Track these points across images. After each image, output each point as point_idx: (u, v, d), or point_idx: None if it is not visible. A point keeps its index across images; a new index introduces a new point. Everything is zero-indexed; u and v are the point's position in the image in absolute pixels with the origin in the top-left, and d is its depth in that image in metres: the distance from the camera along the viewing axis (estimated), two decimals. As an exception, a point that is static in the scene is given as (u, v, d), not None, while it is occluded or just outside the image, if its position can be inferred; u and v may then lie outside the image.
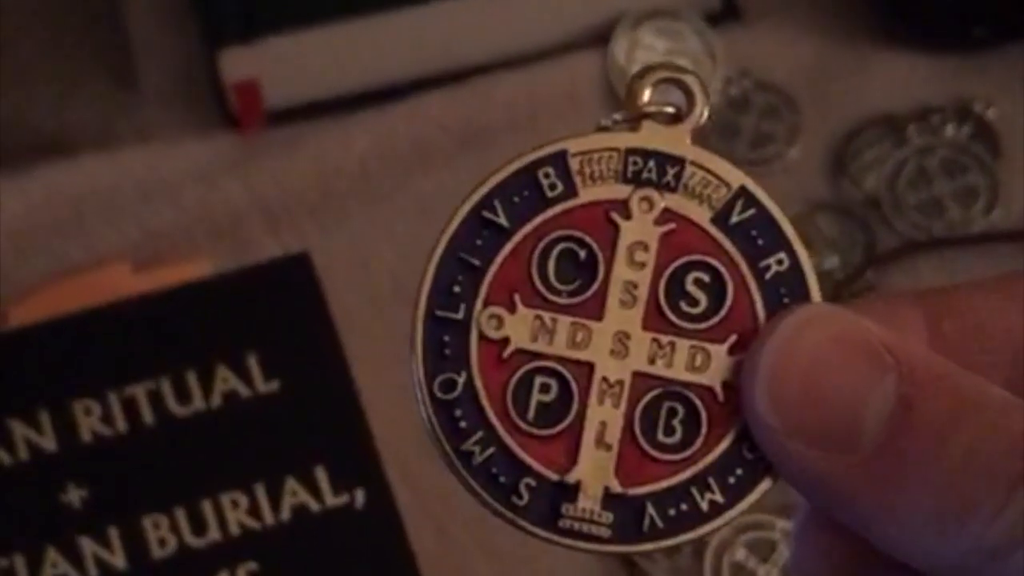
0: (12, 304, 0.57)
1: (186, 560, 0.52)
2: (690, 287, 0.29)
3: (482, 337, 0.29)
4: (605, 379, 0.29)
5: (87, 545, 0.52)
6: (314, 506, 0.53)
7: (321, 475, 0.53)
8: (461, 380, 0.29)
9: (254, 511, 0.53)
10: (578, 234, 0.29)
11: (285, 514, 0.53)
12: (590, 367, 0.29)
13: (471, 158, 0.61)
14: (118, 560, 0.52)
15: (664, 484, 0.29)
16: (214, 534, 0.52)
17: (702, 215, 0.29)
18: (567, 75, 0.62)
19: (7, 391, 0.54)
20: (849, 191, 0.60)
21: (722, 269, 0.29)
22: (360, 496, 0.53)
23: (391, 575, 0.52)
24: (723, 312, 0.29)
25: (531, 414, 0.29)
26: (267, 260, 0.57)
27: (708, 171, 0.29)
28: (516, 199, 0.29)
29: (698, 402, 0.29)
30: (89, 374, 0.55)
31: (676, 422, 0.29)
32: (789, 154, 0.61)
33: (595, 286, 0.29)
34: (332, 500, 0.53)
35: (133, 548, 0.52)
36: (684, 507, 0.29)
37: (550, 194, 0.29)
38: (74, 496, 0.53)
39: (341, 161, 0.61)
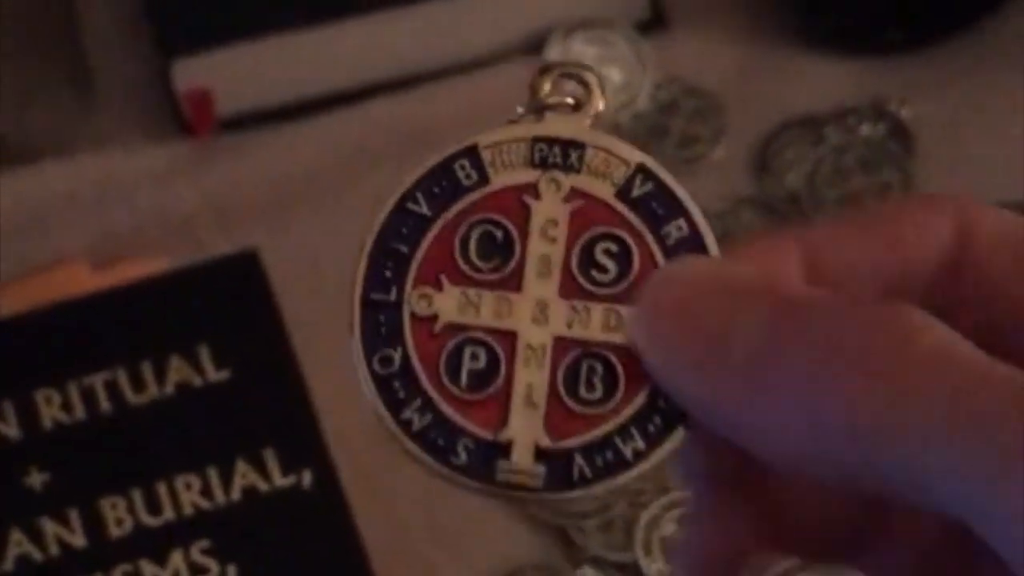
0: (-24, 302, 0.60)
1: (142, 539, 0.55)
2: (600, 256, 0.31)
3: (413, 315, 0.31)
4: (529, 345, 0.31)
5: (49, 525, 0.55)
6: (263, 487, 0.56)
7: (270, 457, 0.56)
8: (397, 355, 0.31)
9: (206, 492, 0.55)
10: (494, 216, 0.31)
11: (236, 494, 0.55)
12: (514, 335, 0.31)
13: (414, 161, 0.64)
14: (78, 539, 0.55)
15: (589, 436, 0.31)
16: (168, 514, 0.55)
17: (606, 191, 0.31)
18: (505, 81, 0.66)
19: (-28, 383, 0.57)
20: (772, 188, 0.63)
21: (627, 238, 0.31)
22: (307, 477, 0.56)
23: (338, 551, 0.55)
24: (631, 277, 0.31)
25: (463, 381, 0.31)
26: (218, 257, 0.60)
27: (608, 152, 0.32)
28: (436, 190, 0.32)
29: (614, 359, 0.31)
30: (51, 366, 0.57)
31: (596, 379, 0.31)
32: (715, 153, 0.64)
33: (513, 262, 0.31)
34: (281, 481, 0.56)
35: (92, 528, 0.55)
36: (610, 456, 0.30)
37: (466, 183, 0.32)
38: (36, 480, 0.56)
39: (289, 165, 0.64)
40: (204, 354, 0.58)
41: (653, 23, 0.66)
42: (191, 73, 0.63)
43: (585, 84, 0.32)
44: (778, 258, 0.30)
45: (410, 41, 0.65)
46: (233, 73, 0.63)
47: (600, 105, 0.32)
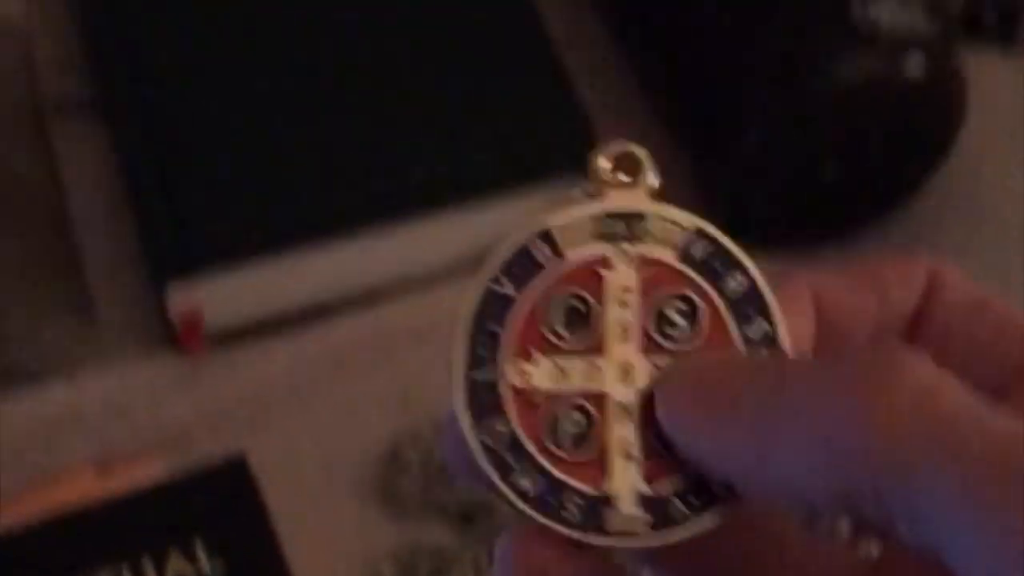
0: (-4, 509, 0.67)
1: None
2: (671, 315, 0.34)
3: (512, 387, 0.33)
4: (619, 403, 0.33)
5: None
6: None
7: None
8: (502, 427, 0.33)
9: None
10: (573, 289, 0.34)
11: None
12: (604, 395, 0.33)
13: (381, 368, 0.71)
14: None
15: (683, 479, 0.33)
16: None
17: (670, 255, 0.34)
18: (458, 296, 0.73)
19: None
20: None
21: (694, 296, 0.34)
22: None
23: None
24: (701, 331, 0.34)
25: (565, 443, 0.33)
26: (209, 462, 0.67)
27: (668, 220, 0.34)
28: (516, 271, 0.34)
29: None
30: (62, 567, 0.64)
31: None
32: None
33: (595, 329, 0.34)
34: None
35: None
36: (704, 496, 0.33)
37: (543, 261, 0.34)
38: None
39: (271, 374, 0.71)
40: (199, 549, 0.64)
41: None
42: (182, 297, 0.70)
43: (637, 161, 0.35)
44: (800, 303, 0.35)
45: (375, 260, 0.73)
46: (220, 295, 0.71)
47: (652, 178, 0.35)
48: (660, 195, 0.34)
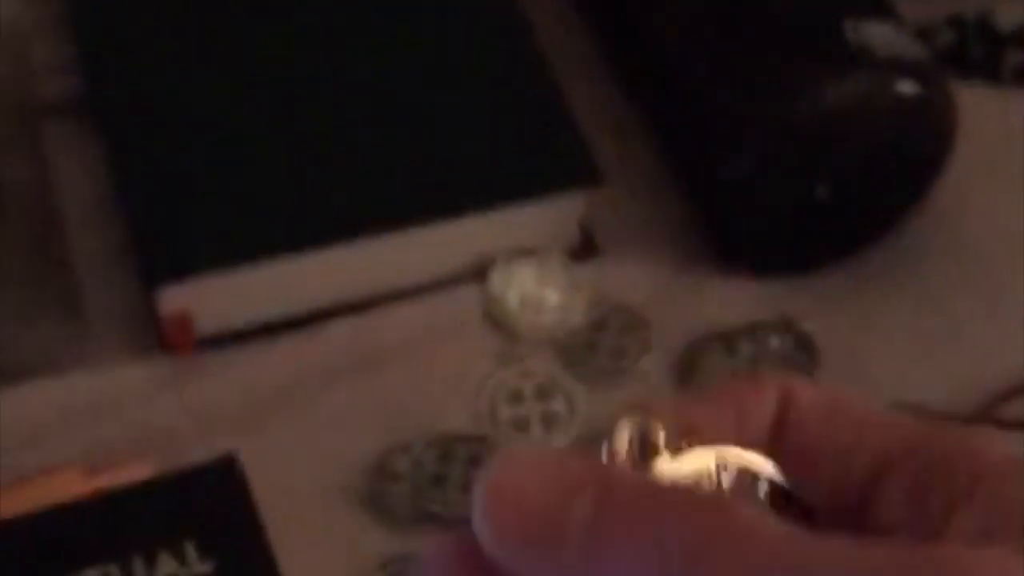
0: (-20, 507, 0.66)
1: None
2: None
3: None
4: None
5: None
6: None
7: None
8: None
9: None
10: None
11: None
12: None
13: (371, 377, 0.71)
14: None
15: None
16: None
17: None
18: (452, 305, 0.73)
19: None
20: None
21: None
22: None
23: None
24: None
25: None
26: (202, 462, 0.67)
27: (699, 474, 0.34)
28: None
29: None
30: (48, 565, 0.63)
31: None
32: (642, 364, 0.71)
33: None
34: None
35: None
36: None
37: None
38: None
39: (261, 379, 0.70)
40: (190, 549, 0.64)
41: (585, 250, 0.75)
42: (173, 299, 0.70)
43: (654, 439, 0.34)
44: (665, 421, 0.35)
45: (367, 269, 0.73)
46: (210, 298, 0.70)
47: (662, 439, 0.34)
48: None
